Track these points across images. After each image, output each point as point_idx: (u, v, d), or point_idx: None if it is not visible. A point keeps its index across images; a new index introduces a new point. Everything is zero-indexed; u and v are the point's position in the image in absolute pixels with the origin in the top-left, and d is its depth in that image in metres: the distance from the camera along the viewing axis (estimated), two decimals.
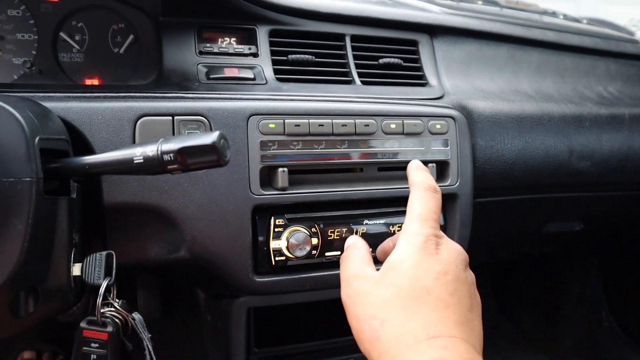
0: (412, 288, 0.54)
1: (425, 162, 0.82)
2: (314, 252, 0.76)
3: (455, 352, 0.49)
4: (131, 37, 0.88)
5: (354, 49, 0.91)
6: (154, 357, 0.67)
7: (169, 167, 0.55)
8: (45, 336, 1.32)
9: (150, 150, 0.55)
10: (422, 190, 0.61)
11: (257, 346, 0.90)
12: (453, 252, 0.58)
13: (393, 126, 0.80)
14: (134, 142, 0.69)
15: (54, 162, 0.58)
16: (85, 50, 0.87)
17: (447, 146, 0.84)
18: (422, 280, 0.54)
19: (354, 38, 0.92)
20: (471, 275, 0.60)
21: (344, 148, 0.77)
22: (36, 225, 0.55)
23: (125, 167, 0.57)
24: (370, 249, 0.63)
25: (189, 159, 0.54)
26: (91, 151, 0.68)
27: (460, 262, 0.58)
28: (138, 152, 0.55)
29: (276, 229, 0.75)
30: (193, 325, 1.30)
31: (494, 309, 1.73)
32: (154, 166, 0.55)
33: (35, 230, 0.55)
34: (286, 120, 0.74)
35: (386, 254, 0.61)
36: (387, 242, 0.68)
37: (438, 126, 0.84)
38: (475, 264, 0.88)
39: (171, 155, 0.54)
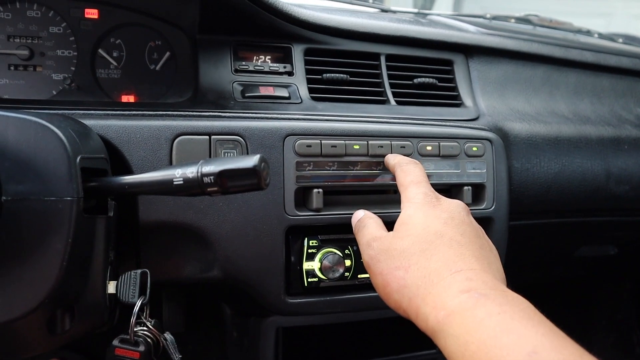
0: (426, 233, 0.58)
1: (461, 185, 0.81)
2: (346, 274, 0.75)
3: (479, 282, 0.53)
4: (167, 54, 0.89)
5: (388, 68, 0.91)
6: None
7: (209, 189, 0.55)
8: (70, 344, 1.33)
9: (190, 172, 0.55)
10: (405, 164, 0.69)
11: None
12: (453, 202, 0.64)
13: (429, 148, 0.79)
14: (170, 161, 0.69)
15: (93, 181, 0.58)
16: (122, 67, 0.88)
17: (483, 169, 0.83)
18: (433, 226, 0.59)
19: (389, 57, 0.91)
20: (476, 223, 0.64)
21: (379, 170, 0.77)
22: (75, 244, 0.55)
23: (165, 188, 0.57)
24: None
25: (229, 182, 0.54)
26: (128, 169, 0.68)
27: (463, 210, 0.63)
28: (178, 174, 0.55)
29: (309, 250, 0.74)
30: (217, 339, 1.30)
31: None
32: (193, 188, 0.55)
33: (74, 249, 0.55)
34: (323, 141, 0.74)
35: None
36: None
37: (474, 149, 0.82)
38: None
39: (211, 177, 0.54)
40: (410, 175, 0.67)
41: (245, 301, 0.83)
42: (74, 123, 0.63)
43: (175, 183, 0.55)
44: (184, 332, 1.29)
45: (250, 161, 0.53)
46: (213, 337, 1.28)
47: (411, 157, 0.78)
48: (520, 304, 0.50)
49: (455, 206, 0.63)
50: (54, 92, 0.85)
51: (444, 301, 0.52)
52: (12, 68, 0.84)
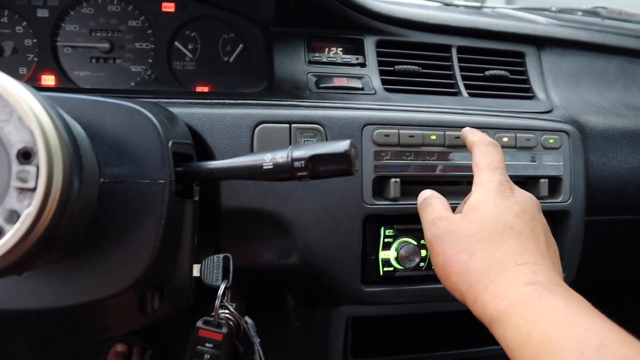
0: (496, 223, 0.57)
1: (537, 178, 0.80)
2: (422, 264, 0.75)
3: (544, 276, 0.51)
4: (241, 46, 0.91)
5: (460, 60, 0.90)
6: None
7: (298, 174, 0.55)
8: (135, 330, 1.37)
9: (280, 157, 0.55)
10: (484, 145, 0.66)
11: (353, 356, 0.89)
12: (526, 196, 0.62)
13: (505, 139, 0.78)
14: (252, 148, 0.70)
15: (182, 165, 0.60)
16: (197, 59, 0.90)
17: (560, 162, 0.81)
18: (503, 216, 0.58)
19: (460, 49, 0.91)
20: (545, 221, 0.62)
21: (456, 160, 0.76)
22: (167, 226, 0.56)
23: (254, 173, 0.57)
24: None
25: (320, 167, 0.54)
26: (210, 156, 0.70)
27: (535, 206, 0.61)
28: (267, 159, 0.56)
29: (386, 240, 0.74)
30: (276, 330, 1.31)
31: None
32: (283, 172, 0.56)
33: (166, 231, 0.56)
34: (400, 131, 0.74)
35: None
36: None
37: (551, 141, 0.81)
38: (572, 282, 0.84)
39: (302, 162, 0.54)
40: (487, 158, 0.64)
41: (316, 290, 0.84)
42: (163, 110, 0.64)
43: (265, 167, 0.56)
44: None
45: (341, 146, 0.54)
46: (273, 328, 1.30)
47: None
48: (584, 301, 0.49)
49: (528, 200, 0.61)
50: (132, 84, 0.88)
51: (507, 291, 0.51)
52: (93, 60, 0.87)
